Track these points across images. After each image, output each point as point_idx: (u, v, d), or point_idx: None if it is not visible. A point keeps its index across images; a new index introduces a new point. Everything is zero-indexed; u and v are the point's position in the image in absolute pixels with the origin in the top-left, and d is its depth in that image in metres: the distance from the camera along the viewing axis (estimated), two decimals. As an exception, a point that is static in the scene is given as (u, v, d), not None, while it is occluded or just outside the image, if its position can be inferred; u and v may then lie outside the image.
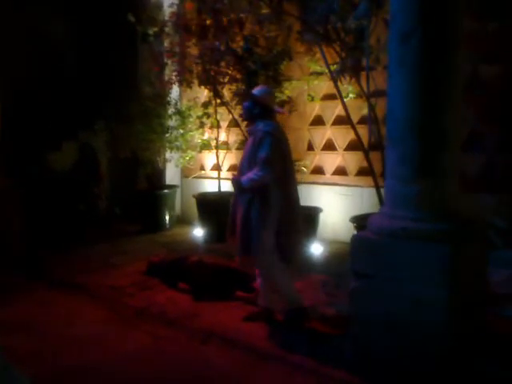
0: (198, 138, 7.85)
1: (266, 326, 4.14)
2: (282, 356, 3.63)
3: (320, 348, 3.70)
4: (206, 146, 7.84)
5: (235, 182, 4.04)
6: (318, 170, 7.16)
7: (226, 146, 7.70)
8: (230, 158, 7.87)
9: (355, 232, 5.08)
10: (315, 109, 7.13)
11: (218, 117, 7.41)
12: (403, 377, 3.10)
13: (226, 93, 6.89)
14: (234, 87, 6.48)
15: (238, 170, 4.19)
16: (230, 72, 6.41)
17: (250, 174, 3.92)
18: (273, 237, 3.95)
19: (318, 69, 6.39)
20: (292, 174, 4.14)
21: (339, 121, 6.79)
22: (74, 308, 4.72)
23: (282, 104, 6.32)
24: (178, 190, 8.39)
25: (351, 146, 6.69)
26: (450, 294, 2.94)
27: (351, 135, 6.21)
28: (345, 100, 5.74)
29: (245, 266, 4.25)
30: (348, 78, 5.45)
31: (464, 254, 3.09)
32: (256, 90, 4.22)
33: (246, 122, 6.77)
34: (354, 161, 6.74)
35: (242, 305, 4.54)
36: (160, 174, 8.33)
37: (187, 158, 7.88)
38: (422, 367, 3.04)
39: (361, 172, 6.60)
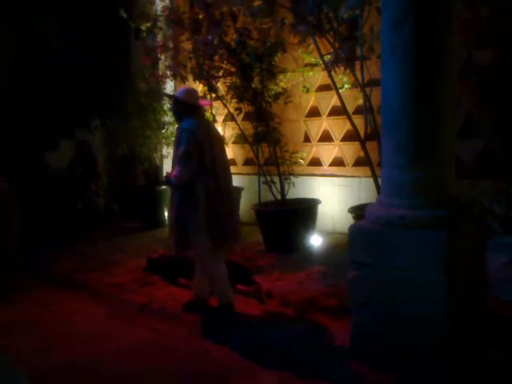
0: (194, 133, 7.81)
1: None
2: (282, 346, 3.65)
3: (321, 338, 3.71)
4: (202, 140, 7.80)
5: (166, 179, 4.21)
6: (316, 162, 7.14)
7: (222, 140, 7.67)
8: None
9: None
10: (311, 100, 7.10)
11: (214, 111, 7.37)
12: (404, 363, 3.10)
13: (221, 87, 6.86)
14: (228, 81, 6.45)
15: (172, 167, 4.31)
16: (224, 66, 6.37)
17: (174, 171, 4.08)
18: (205, 229, 4.04)
19: (312, 60, 6.36)
20: (220, 167, 4.17)
21: (335, 112, 6.77)
22: (74, 305, 4.71)
23: (277, 96, 6.29)
24: (176, 186, 8.37)
25: (348, 137, 6.67)
26: (448, 280, 2.94)
27: (347, 126, 6.19)
28: (340, 90, 5.72)
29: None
30: (342, 68, 5.43)
31: (462, 239, 3.09)
32: (178, 91, 4.49)
33: (241, 116, 6.86)
34: (351, 151, 6.72)
35: (242, 298, 4.53)
36: (157, 169, 8.31)
37: (184, 154, 7.84)
38: (422, 354, 3.05)
39: (358, 162, 6.58)
